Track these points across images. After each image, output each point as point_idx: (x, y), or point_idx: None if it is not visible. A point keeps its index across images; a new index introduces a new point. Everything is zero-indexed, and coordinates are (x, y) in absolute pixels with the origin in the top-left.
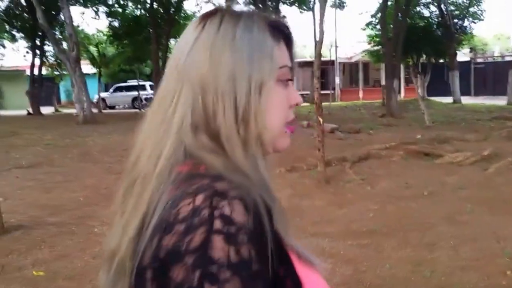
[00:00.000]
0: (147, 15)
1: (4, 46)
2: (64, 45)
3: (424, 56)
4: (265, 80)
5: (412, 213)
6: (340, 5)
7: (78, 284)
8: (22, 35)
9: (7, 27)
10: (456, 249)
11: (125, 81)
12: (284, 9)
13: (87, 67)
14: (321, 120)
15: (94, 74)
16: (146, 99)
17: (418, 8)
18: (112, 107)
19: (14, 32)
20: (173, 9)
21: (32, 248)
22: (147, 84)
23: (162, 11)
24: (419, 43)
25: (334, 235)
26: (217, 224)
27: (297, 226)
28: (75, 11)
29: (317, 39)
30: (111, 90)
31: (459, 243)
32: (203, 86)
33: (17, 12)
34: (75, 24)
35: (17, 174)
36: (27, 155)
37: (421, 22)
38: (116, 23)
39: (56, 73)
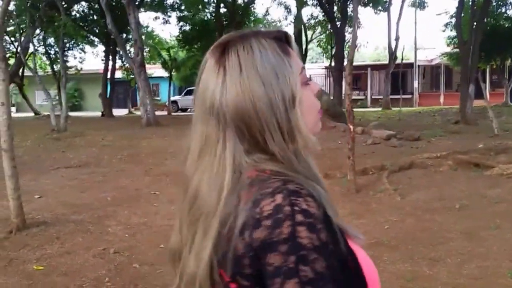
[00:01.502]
0: (214, 19)
1: (84, 51)
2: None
3: (510, 60)
4: (296, 92)
5: (431, 226)
6: (420, 5)
7: (69, 280)
8: (98, 40)
9: (84, 32)
10: (460, 266)
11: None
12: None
13: (160, 71)
14: (351, 127)
15: (168, 77)
16: None
17: (503, 9)
18: (184, 110)
19: (91, 37)
20: (240, 13)
21: (44, 243)
22: None
23: (228, 15)
24: (503, 45)
25: None
26: (299, 217)
27: None
28: (149, 16)
29: (392, 40)
30: (183, 93)
31: (467, 259)
32: (245, 121)
33: (93, 17)
34: (149, 29)
35: (63, 174)
36: (81, 155)
37: (507, 23)
38: (186, 28)
39: (132, 76)
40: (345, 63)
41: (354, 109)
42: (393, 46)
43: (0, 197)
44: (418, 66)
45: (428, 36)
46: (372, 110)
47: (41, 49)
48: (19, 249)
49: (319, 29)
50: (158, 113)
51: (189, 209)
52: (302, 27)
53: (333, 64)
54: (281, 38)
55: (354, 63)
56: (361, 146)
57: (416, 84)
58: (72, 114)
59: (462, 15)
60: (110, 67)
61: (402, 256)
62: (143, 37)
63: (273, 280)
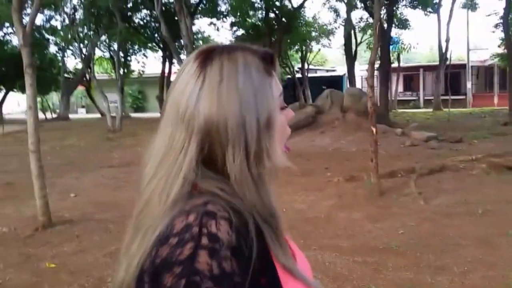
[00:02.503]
0: (263, 24)
1: (146, 56)
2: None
3: None
4: (272, 115)
5: (447, 232)
6: (472, 6)
7: (75, 278)
8: (154, 45)
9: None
10: (464, 275)
11: None
12: (407, 12)
13: None
14: (374, 129)
15: None
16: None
17: None
18: None
19: (149, 43)
20: (287, 18)
21: (64, 241)
22: None
23: (276, 20)
24: None
25: (344, 250)
26: (204, 240)
27: (313, 237)
28: (205, 22)
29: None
30: None
31: (473, 268)
32: (211, 135)
33: (154, 25)
34: (205, 35)
35: (104, 173)
36: (126, 155)
37: None
38: (239, 32)
39: None
40: (395, 63)
41: (405, 110)
42: (443, 48)
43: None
44: (471, 67)
45: (482, 37)
46: (423, 111)
47: (107, 54)
48: (40, 246)
49: (369, 31)
50: None
51: (138, 215)
52: (352, 30)
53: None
54: (266, 59)
55: (407, 64)
56: (398, 148)
57: (469, 85)
58: (134, 115)
59: (510, 16)
60: (167, 70)
61: (407, 263)
62: (200, 42)
63: None
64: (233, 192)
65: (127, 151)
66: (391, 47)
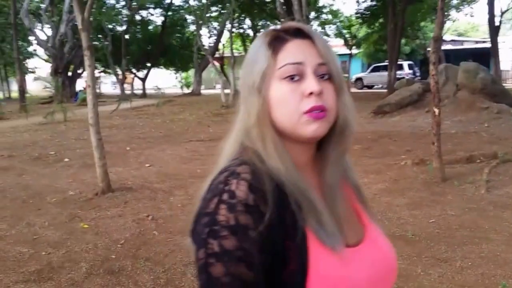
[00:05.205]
0: None
1: None
2: None
3: None
4: (257, 82)
5: (483, 225)
6: None
7: (96, 239)
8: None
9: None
10: (461, 270)
11: (383, 61)
12: None
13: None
14: (436, 110)
15: (356, 55)
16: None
17: None
18: (370, 87)
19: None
20: None
21: (111, 206)
22: (405, 63)
23: None
24: None
25: None
26: (225, 196)
27: None
28: None
29: None
30: (368, 70)
31: (477, 264)
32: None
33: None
34: (334, 8)
35: (188, 146)
36: (221, 130)
37: None
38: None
39: None
40: None
41: None
42: None
43: (110, 165)
44: None
45: None
46: None
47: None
48: (89, 209)
49: None
50: None
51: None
52: None
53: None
54: (283, 33)
55: None
56: (497, 128)
57: None
58: None
59: None
60: None
61: (411, 253)
62: (330, 16)
63: (196, 246)
64: (261, 158)
65: (224, 126)
66: None
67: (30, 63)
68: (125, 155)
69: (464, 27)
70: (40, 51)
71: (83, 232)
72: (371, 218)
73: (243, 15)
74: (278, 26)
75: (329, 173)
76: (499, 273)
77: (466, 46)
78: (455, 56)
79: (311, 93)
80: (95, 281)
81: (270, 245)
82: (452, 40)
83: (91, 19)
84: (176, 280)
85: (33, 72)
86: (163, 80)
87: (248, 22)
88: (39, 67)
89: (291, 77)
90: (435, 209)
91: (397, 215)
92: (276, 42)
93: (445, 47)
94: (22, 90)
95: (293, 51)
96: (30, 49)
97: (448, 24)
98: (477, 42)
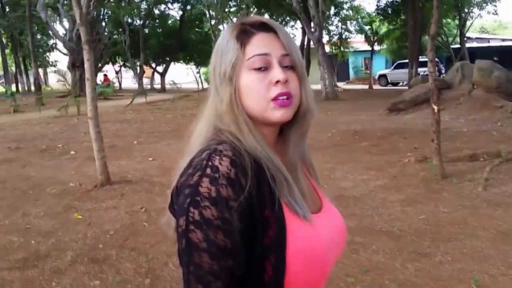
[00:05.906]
0: None
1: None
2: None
3: None
4: (228, 72)
5: (473, 222)
6: None
7: (87, 229)
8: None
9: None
10: (437, 266)
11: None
12: None
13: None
14: (435, 107)
15: (378, 51)
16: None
17: None
18: (395, 84)
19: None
20: None
21: (107, 198)
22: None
23: None
24: None
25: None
26: (208, 171)
27: None
28: None
29: None
30: (392, 67)
31: (456, 259)
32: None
33: None
34: (355, 3)
35: None
36: None
37: None
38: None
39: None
40: None
41: None
42: None
43: (115, 159)
44: None
45: None
46: None
47: None
48: (86, 200)
49: None
50: (359, 86)
51: (187, 145)
52: None
53: None
54: (245, 29)
55: None
56: (509, 127)
57: None
58: None
59: None
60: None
61: (393, 247)
62: (350, 11)
63: (177, 216)
64: (238, 138)
65: None
66: None
67: (51, 56)
68: (130, 149)
69: (491, 25)
70: (60, 44)
71: (75, 223)
72: (323, 192)
73: (262, 10)
74: (244, 20)
75: (292, 152)
76: (477, 268)
77: (492, 44)
78: (481, 54)
79: (277, 82)
80: (79, 269)
81: (250, 214)
82: (478, 38)
83: (108, 12)
84: (158, 270)
85: (54, 66)
86: (183, 75)
87: (266, 17)
88: (60, 61)
89: (259, 68)
90: (428, 205)
91: (388, 211)
92: (243, 35)
93: (470, 44)
94: (38, 83)
95: (260, 44)
96: (51, 42)
97: (473, 22)
98: (504, 40)
